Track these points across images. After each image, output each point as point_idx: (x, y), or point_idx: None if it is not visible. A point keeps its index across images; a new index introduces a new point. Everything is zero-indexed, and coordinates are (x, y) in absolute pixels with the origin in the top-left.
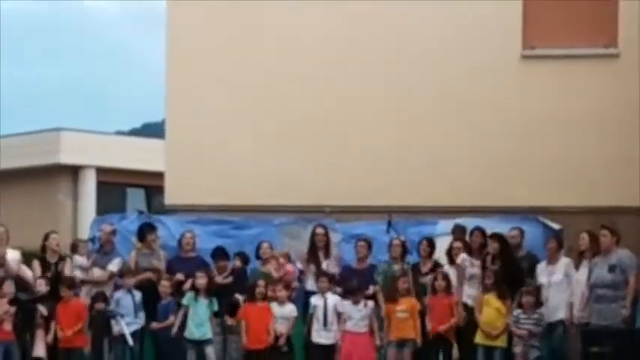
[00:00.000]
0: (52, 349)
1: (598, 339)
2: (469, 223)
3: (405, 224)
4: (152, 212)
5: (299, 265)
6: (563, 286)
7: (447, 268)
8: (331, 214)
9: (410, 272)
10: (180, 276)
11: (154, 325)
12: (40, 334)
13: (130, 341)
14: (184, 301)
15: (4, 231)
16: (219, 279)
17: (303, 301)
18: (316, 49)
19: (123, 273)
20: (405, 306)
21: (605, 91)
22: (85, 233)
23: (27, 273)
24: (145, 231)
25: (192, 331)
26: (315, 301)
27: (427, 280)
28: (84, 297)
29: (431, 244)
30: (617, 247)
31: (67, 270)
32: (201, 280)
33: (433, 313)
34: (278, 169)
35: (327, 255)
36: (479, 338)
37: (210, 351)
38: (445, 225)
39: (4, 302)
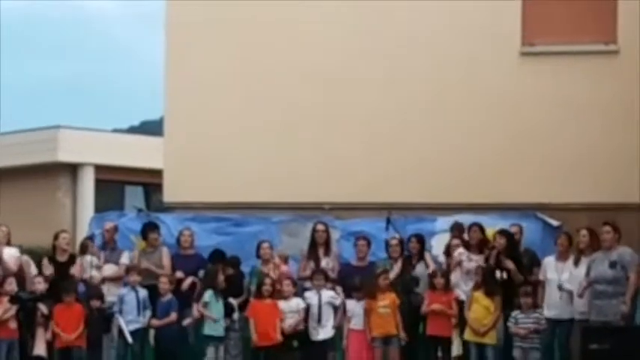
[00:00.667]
0: (50, 348)
1: (597, 336)
2: (468, 219)
3: (404, 221)
4: (151, 210)
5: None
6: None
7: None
8: (330, 211)
9: (399, 268)
10: (179, 274)
11: (154, 322)
12: (40, 332)
13: (130, 339)
14: (206, 298)
15: (5, 231)
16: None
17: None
18: (314, 47)
19: (128, 270)
20: (386, 301)
21: (605, 87)
22: (83, 231)
23: (30, 270)
24: (147, 230)
25: (213, 328)
26: (310, 297)
27: (420, 271)
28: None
29: (420, 241)
30: (617, 244)
31: (77, 271)
32: (221, 278)
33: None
34: (276, 166)
35: (327, 252)
36: (468, 335)
37: (222, 348)
38: (444, 222)
39: (5, 301)
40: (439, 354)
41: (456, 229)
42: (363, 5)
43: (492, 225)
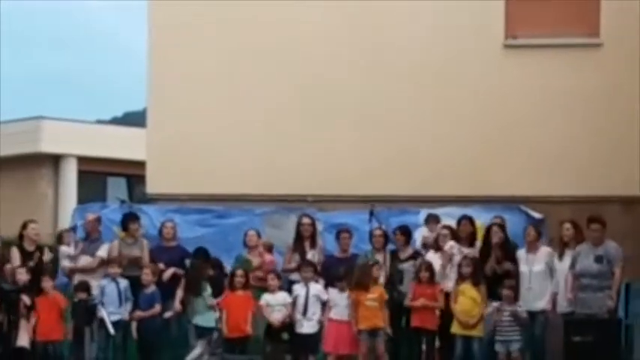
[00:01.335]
0: (32, 339)
1: (580, 328)
2: (452, 212)
3: (388, 214)
4: (133, 201)
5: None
6: (544, 276)
7: (432, 255)
8: (313, 203)
9: (387, 261)
10: (162, 266)
11: (138, 313)
12: (23, 324)
13: (112, 330)
14: (207, 293)
15: None
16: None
17: (286, 290)
18: (299, 40)
19: (108, 261)
20: (375, 294)
21: (588, 80)
22: (66, 222)
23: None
24: (128, 221)
25: (205, 319)
26: (297, 289)
27: (405, 266)
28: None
29: (404, 233)
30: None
31: (46, 257)
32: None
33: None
34: (260, 158)
35: (312, 245)
36: (455, 328)
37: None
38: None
39: None
40: (423, 347)
41: (432, 221)
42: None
43: (476, 217)
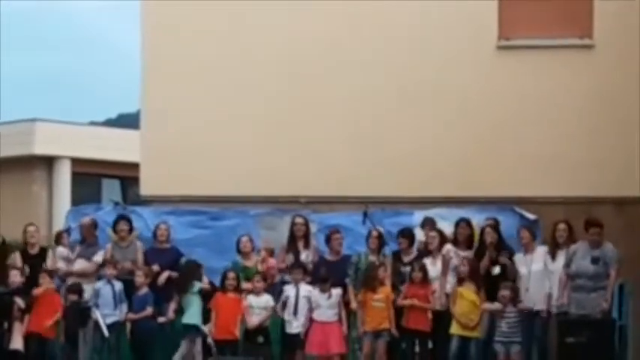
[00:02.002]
0: (27, 341)
1: (574, 329)
2: (445, 213)
3: (381, 215)
4: (127, 203)
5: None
6: (542, 276)
7: (428, 259)
8: (307, 204)
9: (389, 262)
10: (156, 267)
11: (131, 316)
12: (17, 326)
13: (106, 332)
14: (196, 289)
15: None
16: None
17: (279, 291)
18: (292, 41)
19: (103, 263)
20: (381, 295)
21: (581, 81)
22: (60, 224)
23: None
24: (116, 222)
25: (191, 316)
26: (288, 290)
27: (408, 269)
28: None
29: (407, 236)
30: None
31: (50, 262)
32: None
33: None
34: (254, 160)
35: (306, 245)
36: (454, 329)
37: (198, 342)
38: (422, 215)
39: None
40: (416, 348)
41: (427, 225)
42: (340, 1)
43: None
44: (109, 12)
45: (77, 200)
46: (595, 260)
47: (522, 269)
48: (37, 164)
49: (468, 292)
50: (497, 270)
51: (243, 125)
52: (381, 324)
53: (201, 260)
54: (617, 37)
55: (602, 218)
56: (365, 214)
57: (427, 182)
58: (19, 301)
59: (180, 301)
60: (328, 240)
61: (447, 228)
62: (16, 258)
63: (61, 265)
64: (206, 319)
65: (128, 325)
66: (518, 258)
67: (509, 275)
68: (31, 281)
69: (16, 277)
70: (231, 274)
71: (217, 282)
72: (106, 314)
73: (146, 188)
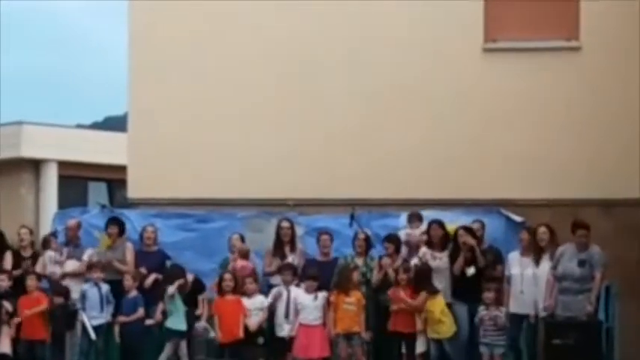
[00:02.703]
0: (14, 345)
1: (560, 331)
2: (431, 216)
3: (369, 217)
4: (115, 206)
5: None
6: (535, 280)
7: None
8: (294, 207)
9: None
10: (143, 270)
11: (121, 318)
12: (5, 330)
13: (93, 335)
14: (171, 291)
15: None
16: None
17: (266, 294)
18: (279, 42)
19: (90, 266)
20: (353, 298)
21: (567, 84)
22: (47, 227)
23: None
24: (107, 224)
25: (175, 322)
26: (278, 292)
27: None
28: None
29: (392, 241)
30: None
31: (39, 267)
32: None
33: (394, 307)
34: (241, 162)
35: (292, 249)
36: (430, 332)
37: (183, 345)
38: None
39: None
40: (403, 350)
41: (413, 219)
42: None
43: (455, 221)
44: (95, 13)
45: (64, 203)
46: (581, 263)
47: (515, 270)
48: (24, 167)
49: (435, 304)
50: (471, 271)
51: (231, 128)
52: (351, 327)
53: (188, 263)
54: (604, 39)
55: (589, 220)
56: (352, 217)
57: (414, 184)
58: (7, 305)
59: (164, 304)
60: (319, 241)
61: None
62: (7, 259)
63: (53, 269)
64: (189, 320)
65: (117, 328)
66: (513, 257)
67: (486, 276)
68: (22, 284)
69: (3, 282)
70: (228, 276)
71: (206, 284)
72: (92, 316)
73: (133, 191)
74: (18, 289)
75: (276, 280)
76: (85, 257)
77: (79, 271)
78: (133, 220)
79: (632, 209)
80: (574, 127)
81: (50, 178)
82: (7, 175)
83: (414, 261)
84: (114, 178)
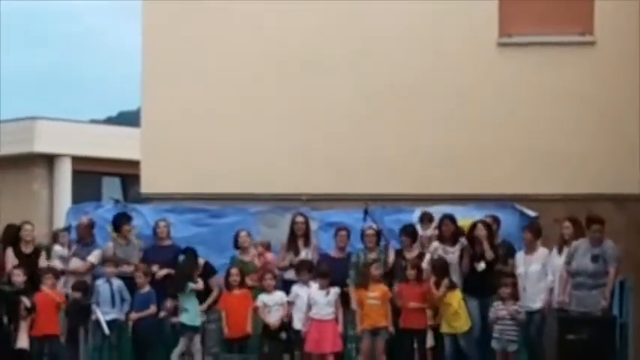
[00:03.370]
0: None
1: (574, 326)
2: (445, 211)
3: (382, 212)
4: (128, 201)
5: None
6: (541, 276)
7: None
8: (307, 202)
9: (391, 258)
10: (155, 267)
11: (133, 314)
12: (23, 325)
13: (106, 330)
14: (189, 289)
15: None
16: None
17: (281, 289)
18: (290, 40)
19: (103, 261)
20: (376, 293)
21: (581, 78)
22: (60, 222)
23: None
24: (120, 221)
25: (189, 317)
26: (298, 290)
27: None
28: (62, 287)
29: (409, 234)
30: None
31: (42, 262)
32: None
33: (404, 302)
34: (254, 157)
35: (306, 243)
36: (443, 327)
37: (197, 339)
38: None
39: None
40: (415, 345)
41: (425, 220)
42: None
43: (469, 216)
44: (111, 9)
45: (78, 198)
46: (595, 258)
47: (520, 269)
48: (38, 162)
49: (453, 297)
50: (482, 266)
51: (244, 123)
52: (378, 322)
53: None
54: (618, 33)
55: (603, 215)
56: (366, 212)
57: (428, 179)
58: (26, 301)
59: (178, 299)
60: (336, 236)
61: None
62: (9, 255)
63: (57, 263)
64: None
65: (130, 324)
66: (518, 257)
67: (496, 270)
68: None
69: (18, 277)
70: (234, 271)
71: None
72: (104, 312)
73: (146, 186)
74: (29, 284)
75: (289, 274)
76: (90, 258)
77: (79, 271)
78: (146, 214)
79: None
80: (588, 121)
81: (64, 173)
82: (20, 170)
83: (427, 258)
84: (128, 173)
